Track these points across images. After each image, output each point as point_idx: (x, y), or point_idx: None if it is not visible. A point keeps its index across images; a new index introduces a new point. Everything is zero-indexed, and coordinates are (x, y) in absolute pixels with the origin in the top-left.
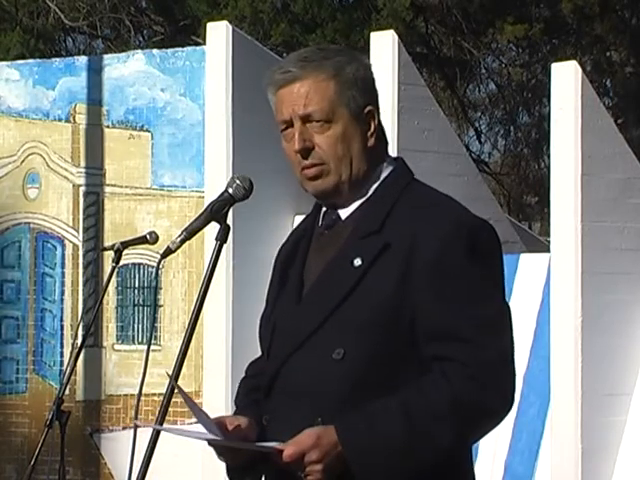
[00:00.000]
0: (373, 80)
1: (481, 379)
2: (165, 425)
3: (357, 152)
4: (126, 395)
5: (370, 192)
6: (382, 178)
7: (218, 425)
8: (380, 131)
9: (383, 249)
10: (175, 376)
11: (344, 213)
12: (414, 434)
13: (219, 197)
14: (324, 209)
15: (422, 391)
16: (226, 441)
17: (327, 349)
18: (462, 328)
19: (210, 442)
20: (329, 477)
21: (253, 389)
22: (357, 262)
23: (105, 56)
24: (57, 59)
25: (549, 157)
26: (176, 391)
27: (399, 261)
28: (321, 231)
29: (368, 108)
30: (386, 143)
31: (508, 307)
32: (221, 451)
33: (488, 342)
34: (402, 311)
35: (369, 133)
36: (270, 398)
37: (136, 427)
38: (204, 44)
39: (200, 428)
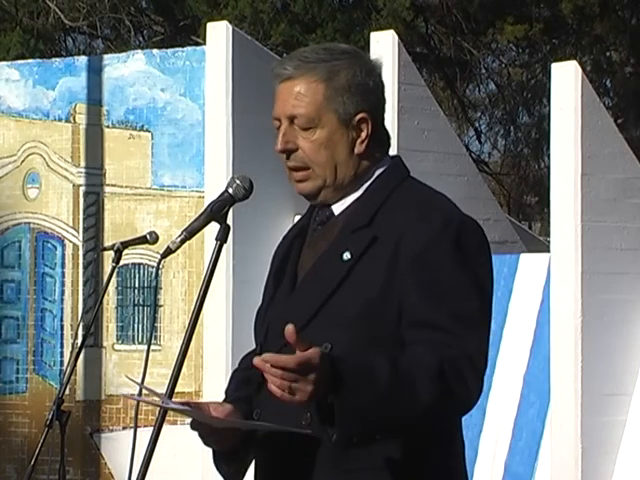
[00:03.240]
0: (375, 85)
1: (463, 360)
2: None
3: (342, 158)
4: (126, 395)
5: (363, 189)
6: (376, 176)
7: (203, 410)
8: (377, 137)
9: (371, 242)
10: (175, 376)
11: (337, 209)
12: (398, 382)
13: (219, 197)
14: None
15: (413, 350)
16: (213, 419)
17: (315, 343)
18: (441, 322)
19: (193, 425)
20: (310, 402)
21: (243, 382)
22: (346, 256)
23: (105, 56)
24: (57, 59)
25: (549, 157)
26: (177, 391)
27: (387, 255)
28: (315, 227)
29: (360, 115)
30: (387, 147)
31: (489, 304)
32: (207, 437)
33: (466, 334)
34: (389, 305)
35: (359, 140)
36: (262, 392)
37: (137, 405)
38: (204, 44)
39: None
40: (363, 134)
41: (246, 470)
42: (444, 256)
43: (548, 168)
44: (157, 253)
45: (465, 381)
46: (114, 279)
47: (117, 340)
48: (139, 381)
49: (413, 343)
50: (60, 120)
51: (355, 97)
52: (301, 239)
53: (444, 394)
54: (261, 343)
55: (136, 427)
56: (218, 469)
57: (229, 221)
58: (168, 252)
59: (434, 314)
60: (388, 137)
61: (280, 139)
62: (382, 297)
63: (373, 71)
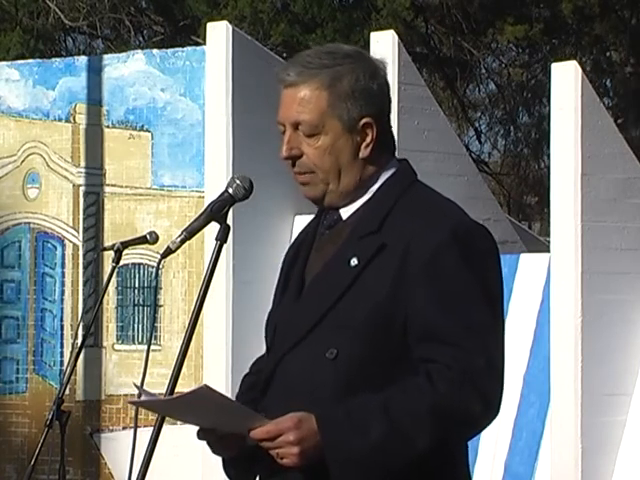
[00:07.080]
0: (379, 88)
1: (463, 383)
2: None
3: (346, 164)
4: (126, 395)
5: (371, 193)
6: (384, 180)
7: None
8: (383, 140)
9: (379, 249)
10: (175, 376)
11: (345, 213)
12: (391, 432)
13: (219, 197)
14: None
15: (404, 391)
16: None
17: (321, 348)
18: (449, 332)
19: (200, 435)
20: (305, 463)
21: (252, 387)
22: (354, 262)
23: (105, 56)
24: (57, 59)
25: (549, 157)
26: (176, 391)
27: (395, 262)
28: (322, 231)
29: (365, 120)
30: (393, 149)
31: (501, 313)
32: (215, 444)
33: (474, 346)
34: (396, 312)
35: (364, 144)
36: (266, 396)
37: (139, 396)
38: (204, 44)
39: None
40: (368, 138)
41: (256, 474)
42: (453, 264)
43: (548, 168)
44: (157, 253)
45: (467, 407)
46: (114, 279)
47: (117, 340)
48: (140, 381)
49: (419, 362)
50: (60, 120)
51: (359, 102)
52: (309, 242)
53: (443, 432)
54: (269, 347)
55: (136, 427)
56: (227, 474)
57: (229, 221)
58: (168, 252)
59: (443, 326)
60: (393, 140)
61: (285, 146)
62: (389, 303)
63: (377, 74)
